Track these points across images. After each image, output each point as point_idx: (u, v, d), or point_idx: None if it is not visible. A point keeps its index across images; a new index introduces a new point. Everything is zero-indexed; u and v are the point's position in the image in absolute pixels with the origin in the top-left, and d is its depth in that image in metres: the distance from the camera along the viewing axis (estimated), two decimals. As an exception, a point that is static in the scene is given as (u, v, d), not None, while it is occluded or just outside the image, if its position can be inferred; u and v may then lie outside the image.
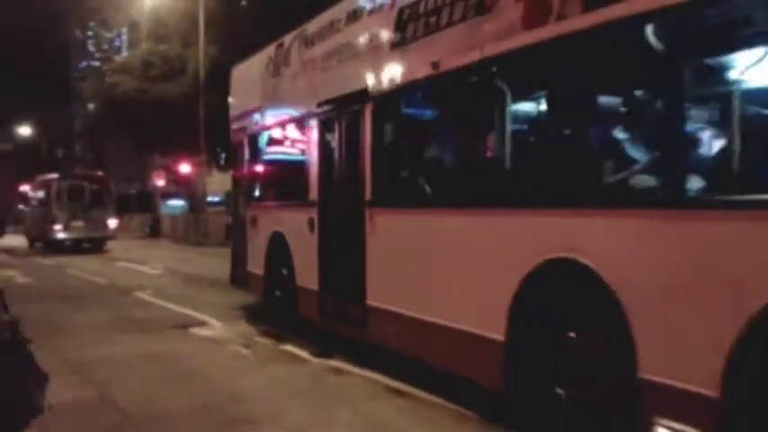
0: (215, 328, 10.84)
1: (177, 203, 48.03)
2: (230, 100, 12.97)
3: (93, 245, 29.11)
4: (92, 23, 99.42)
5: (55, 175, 31.60)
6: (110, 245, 29.78)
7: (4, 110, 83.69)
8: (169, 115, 33.95)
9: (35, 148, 75.58)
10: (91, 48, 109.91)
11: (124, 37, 67.13)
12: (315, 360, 8.44)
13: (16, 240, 36.14)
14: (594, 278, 4.83)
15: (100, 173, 36.29)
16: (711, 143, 4.68)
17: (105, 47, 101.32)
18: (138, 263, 22.17)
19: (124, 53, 48.12)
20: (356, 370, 7.88)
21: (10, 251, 29.64)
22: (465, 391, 6.64)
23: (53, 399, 6.88)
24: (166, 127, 34.84)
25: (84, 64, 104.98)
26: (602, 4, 4.85)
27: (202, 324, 11.12)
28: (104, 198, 30.25)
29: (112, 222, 30.09)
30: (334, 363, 8.24)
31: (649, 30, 4.50)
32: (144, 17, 42.66)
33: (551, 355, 5.30)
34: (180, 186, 43.81)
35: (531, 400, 5.52)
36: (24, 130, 78.60)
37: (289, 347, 9.11)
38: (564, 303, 5.19)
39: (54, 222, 28.56)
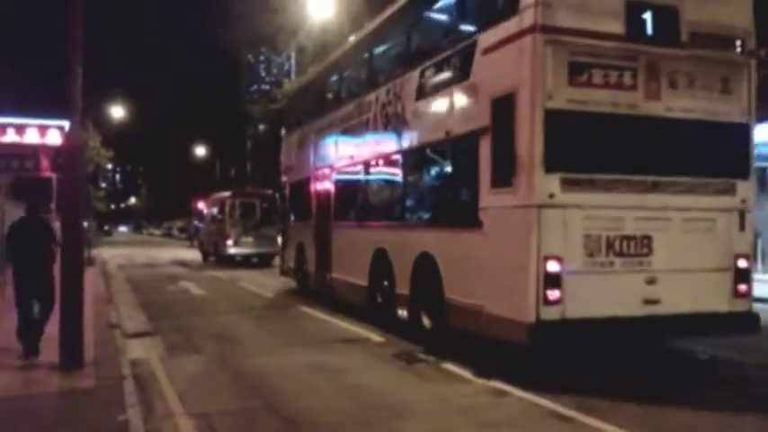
0: (377, 343, 11.06)
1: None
2: (281, 157, 20.65)
3: (261, 260, 30.33)
4: (263, 49, 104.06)
5: (228, 193, 33.21)
6: (277, 260, 30.88)
7: (183, 131, 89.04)
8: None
9: (209, 167, 79.95)
10: (262, 72, 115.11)
11: (293, 61, 69.88)
12: (476, 380, 8.41)
13: (191, 254, 38.32)
14: (389, 259, 11.93)
15: (270, 191, 37.70)
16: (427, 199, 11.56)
17: (275, 71, 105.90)
18: (303, 278, 22.82)
19: (293, 76, 50.02)
20: (517, 392, 7.77)
21: (185, 264, 31.47)
22: (626, 415, 6.46)
23: (220, 406, 7.29)
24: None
25: (254, 87, 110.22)
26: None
27: (365, 339, 11.36)
28: (273, 215, 31.40)
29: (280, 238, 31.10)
30: (495, 384, 8.17)
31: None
32: (311, 41, 44.15)
33: (378, 290, 12.47)
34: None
35: (374, 307, 12.70)
36: (200, 150, 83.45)
37: (450, 366, 9.12)
38: (382, 269, 12.17)
39: (227, 238, 29.98)
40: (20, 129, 30.54)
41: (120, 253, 42.76)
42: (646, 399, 7.37)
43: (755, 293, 9.40)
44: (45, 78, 41.98)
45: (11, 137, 29.63)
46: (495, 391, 7.90)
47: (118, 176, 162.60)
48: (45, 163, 20.32)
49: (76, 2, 8.70)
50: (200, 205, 47.08)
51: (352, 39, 16.83)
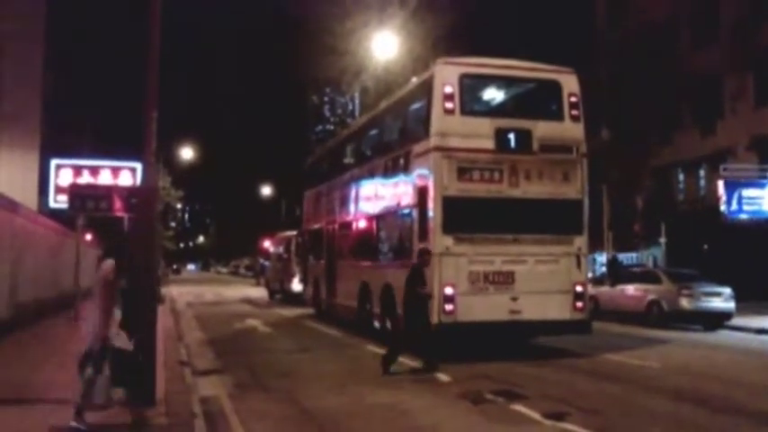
0: (444, 382, 10.96)
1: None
2: (303, 209, 26.52)
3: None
4: (327, 89, 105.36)
5: (293, 232, 33.54)
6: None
7: (250, 171, 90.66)
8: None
9: (275, 206, 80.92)
10: (326, 112, 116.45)
11: (357, 101, 70.61)
12: (546, 422, 8.25)
13: (257, 292, 38.71)
14: (369, 287, 16.68)
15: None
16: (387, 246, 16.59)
17: (339, 111, 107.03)
18: (368, 316, 22.83)
19: (357, 116, 50.69)
20: (590, 434, 7.59)
21: (252, 302, 31.78)
22: None
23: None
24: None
25: (320, 128, 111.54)
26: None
27: (431, 378, 11.27)
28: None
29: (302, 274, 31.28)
30: (566, 425, 8.01)
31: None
32: (374, 82, 44.64)
33: (363, 309, 17.17)
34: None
35: (361, 321, 17.29)
36: (266, 190, 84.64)
37: (519, 407, 8.98)
38: (365, 294, 16.89)
39: (292, 276, 30.22)
40: (94, 170, 31.45)
41: (189, 291, 43.43)
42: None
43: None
44: (118, 120, 43.30)
45: (86, 178, 30.49)
46: (566, 434, 7.73)
47: (186, 216, 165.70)
48: (118, 203, 20.81)
49: (153, 52, 8.99)
50: (267, 244, 47.62)
51: (351, 124, 21.10)
